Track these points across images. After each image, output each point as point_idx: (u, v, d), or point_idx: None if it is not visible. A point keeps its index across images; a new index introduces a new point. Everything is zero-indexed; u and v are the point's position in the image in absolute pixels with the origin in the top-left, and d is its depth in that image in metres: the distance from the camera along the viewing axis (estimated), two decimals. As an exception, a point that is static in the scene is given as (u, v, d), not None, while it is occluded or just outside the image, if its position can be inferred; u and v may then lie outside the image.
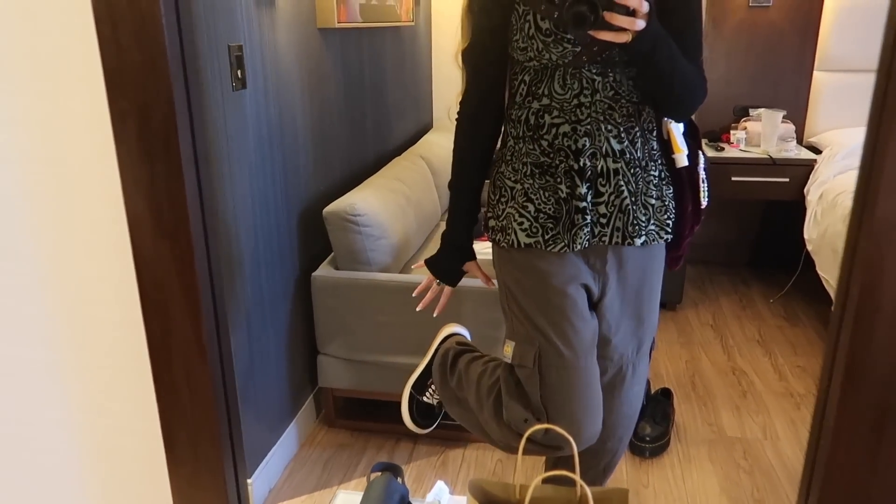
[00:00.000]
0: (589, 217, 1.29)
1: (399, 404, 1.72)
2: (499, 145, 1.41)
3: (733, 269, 3.69)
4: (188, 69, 1.16)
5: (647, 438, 2.18)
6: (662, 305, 3.16)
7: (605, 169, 1.28)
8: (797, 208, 3.25)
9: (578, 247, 1.30)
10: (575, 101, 1.26)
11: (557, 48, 1.23)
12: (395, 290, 2.09)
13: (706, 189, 1.42)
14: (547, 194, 1.30)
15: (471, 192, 1.44)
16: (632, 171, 1.29)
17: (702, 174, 1.41)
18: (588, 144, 1.27)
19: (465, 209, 1.45)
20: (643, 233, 1.33)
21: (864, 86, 3.31)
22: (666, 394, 2.37)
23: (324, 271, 2.16)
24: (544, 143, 1.29)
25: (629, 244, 1.32)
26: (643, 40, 1.14)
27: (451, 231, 1.49)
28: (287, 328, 2.11)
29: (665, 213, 1.36)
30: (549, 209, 1.30)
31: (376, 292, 2.10)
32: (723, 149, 3.26)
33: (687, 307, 3.26)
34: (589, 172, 1.27)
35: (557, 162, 1.28)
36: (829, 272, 2.86)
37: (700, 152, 1.41)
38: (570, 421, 1.30)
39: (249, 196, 1.84)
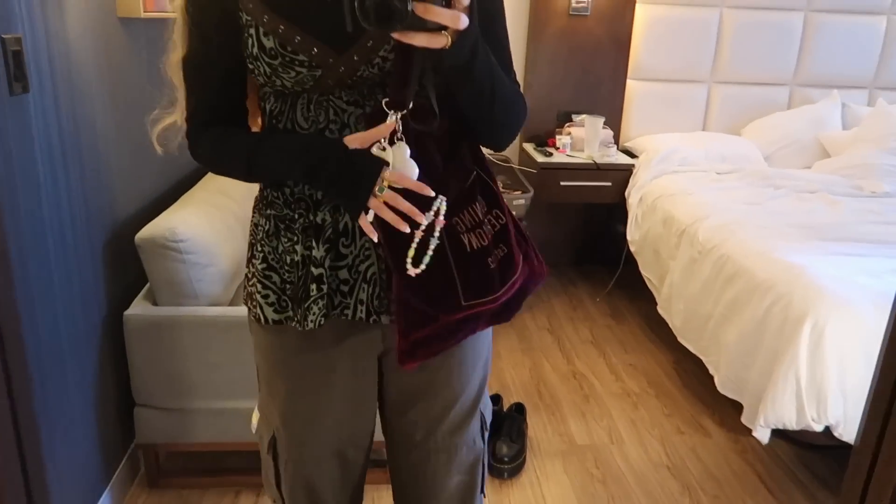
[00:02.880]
0: (325, 287, 1.02)
1: (238, 453, 1.45)
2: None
3: (560, 269, 3.81)
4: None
5: (505, 459, 2.12)
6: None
7: (349, 226, 1.02)
8: (615, 209, 3.41)
9: (311, 325, 1.02)
10: None
11: (288, 72, 0.95)
12: (228, 325, 1.81)
13: (431, 250, 0.96)
14: (289, 258, 1.04)
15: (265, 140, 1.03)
16: None
17: (436, 230, 0.97)
18: None
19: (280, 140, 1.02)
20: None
21: (670, 94, 3.56)
22: (519, 409, 2.33)
23: (139, 308, 1.82)
24: (287, 191, 1.03)
25: (374, 321, 1.05)
26: (464, 43, 0.86)
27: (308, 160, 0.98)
28: (94, 379, 1.75)
29: None
30: (292, 277, 1.04)
31: (206, 329, 1.81)
32: (551, 154, 3.32)
33: (523, 311, 3.29)
34: (329, 230, 1.02)
35: (297, 216, 1.03)
36: (650, 271, 3.02)
37: (438, 198, 0.96)
38: None
39: (39, 225, 1.47)
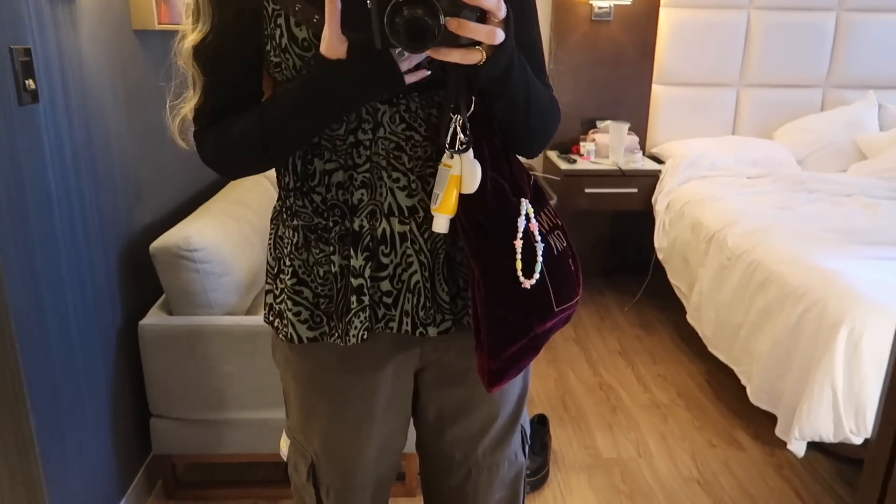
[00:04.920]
0: (367, 298, 0.97)
1: (255, 464, 1.41)
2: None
3: (586, 278, 3.72)
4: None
5: (527, 472, 2.05)
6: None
7: (388, 232, 0.98)
8: (643, 216, 3.34)
9: (354, 339, 0.97)
10: (351, 139, 0.93)
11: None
12: (243, 335, 1.79)
13: (541, 257, 0.93)
14: (322, 270, 0.99)
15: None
16: (426, 235, 0.97)
17: (535, 235, 0.94)
18: (366, 199, 0.95)
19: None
20: (441, 318, 0.99)
21: (697, 99, 3.48)
22: (542, 421, 2.27)
23: (154, 318, 1.82)
24: (317, 199, 0.97)
25: (421, 333, 0.99)
26: (500, 58, 0.81)
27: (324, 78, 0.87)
28: (110, 390, 1.75)
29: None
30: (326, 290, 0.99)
31: (221, 339, 1.80)
32: (575, 161, 3.27)
33: (549, 321, 3.22)
34: (367, 237, 0.97)
35: (331, 224, 0.97)
36: (679, 279, 2.94)
37: (522, 201, 0.95)
38: None
39: (50, 236, 1.47)
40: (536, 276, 0.92)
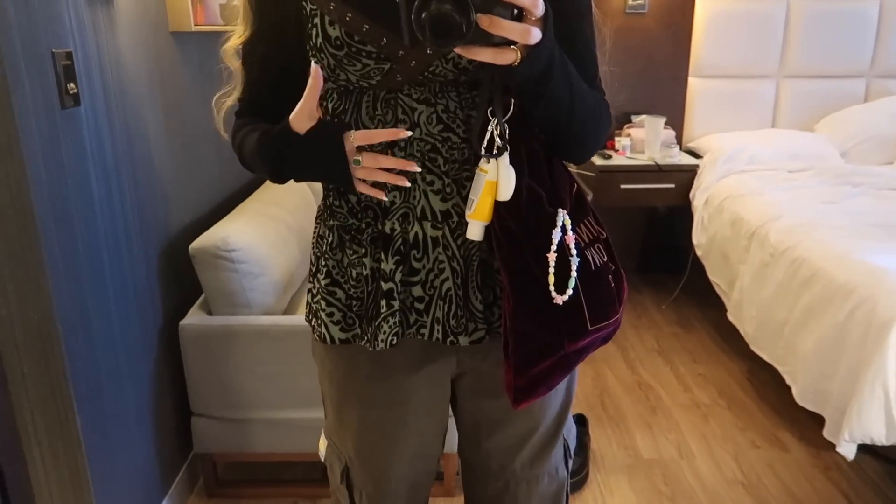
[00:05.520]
0: (397, 303, 0.95)
1: (294, 463, 1.40)
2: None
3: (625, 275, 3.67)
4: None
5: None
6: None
7: (420, 236, 0.95)
8: (679, 212, 3.27)
9: (382, 344, 0.95)
10: None
11: (354, 65, 0.87)
12: (281, 334, 1.80)
13: (575, 271, 0.87)
14: (355, 272, 0.97)
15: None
16: (459, 241, 0.95)
17: (571, 248, 0.88)
18: (398, 201, 0.93)
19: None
20: (474, 327, 0.96)
21: (735, 91, 3.40)
22: (581, 421, 2.24)
23: (194, 318, 1.83)
24: (353, 199, 0.96)
25: (452, 342, 0.96)
26: (536, 59, 0.77)
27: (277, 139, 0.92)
28: (151, 389, 1.76)
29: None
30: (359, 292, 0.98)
31: (259, 339, 1.80)
32: (610, 156, 3.22)
33: (584, 319, 3.18)
34: (399, 241, 0.95)
35: (364, 225, 0.96)
36: (719, 276, 2.87)
37: (560, 212, 0.89)
38: None
39: (93, 238, 1.49)
40: (570, 291, 0.87)
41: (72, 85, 1.36)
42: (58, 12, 1.34)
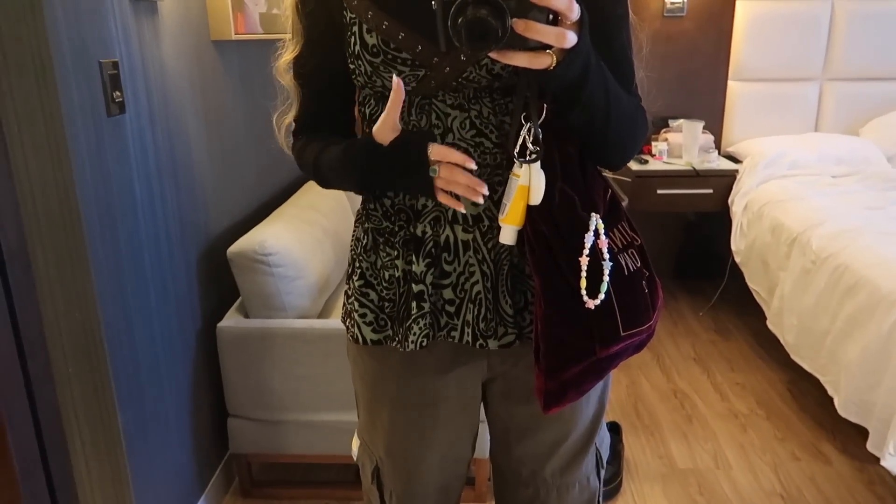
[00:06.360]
0: (427, 305, 0.96)
1: (327, 465, 1.43)
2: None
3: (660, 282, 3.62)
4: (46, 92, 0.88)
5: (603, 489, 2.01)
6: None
7: (451, 240, 0.96)
8: (718, 218, 3.22)
9: (412, 346, 0.96)
10: None
11: (389, 71, 0.89)
12: (315, 337, 1.82)
13: (607, 276, 0.88)
14: (387, 274, 0.99)
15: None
16: (490, 245, 0.95)
17: (604, 252, 0.89)
18: (430, 204, 0.95)
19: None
20: (504, 331, 0.96)
21: (776, 95, 3.33)
22: (615, 429, 2.21)
23: (231, 321, 1.87)
24: (387, 202, 0.98)
25: (482, 346, 0.96)
26: (572, 63, 0.77)
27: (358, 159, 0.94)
28: (190, 389, 1.80)
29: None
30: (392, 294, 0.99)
31: (294, 342, 1.83)
32: (647, 161, 3.18)
33: (619, 326, 3.15)
34: (430, 243, 0.96)
35: (397, 228, 0.98)
36: (758, 283, 2.82)
37: (593, 216, 0.90)
38: None
39: (136, 242, 1.53)
40: (602, 296, 0.87)
41: (117, 93, 1.41)
42: (105, 23, 1.38)
